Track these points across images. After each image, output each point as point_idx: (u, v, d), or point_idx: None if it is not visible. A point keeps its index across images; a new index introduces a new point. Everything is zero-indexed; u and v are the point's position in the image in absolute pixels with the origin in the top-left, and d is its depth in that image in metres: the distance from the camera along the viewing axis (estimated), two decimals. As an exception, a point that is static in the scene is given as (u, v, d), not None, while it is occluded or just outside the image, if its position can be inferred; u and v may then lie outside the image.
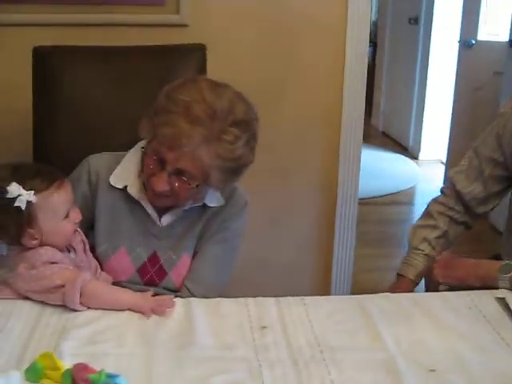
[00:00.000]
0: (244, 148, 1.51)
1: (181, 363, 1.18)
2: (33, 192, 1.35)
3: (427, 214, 1.92)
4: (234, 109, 1.49)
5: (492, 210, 1.89)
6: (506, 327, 1.36)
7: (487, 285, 1.55)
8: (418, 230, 1.91)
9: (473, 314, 1.42)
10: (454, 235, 1.90)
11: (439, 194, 1.94)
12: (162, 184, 1.51)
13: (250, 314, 1.37)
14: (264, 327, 1.32)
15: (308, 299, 1.44)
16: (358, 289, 2.92)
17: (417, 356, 1.25)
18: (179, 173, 1.49)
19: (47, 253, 1.40)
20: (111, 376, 0.86)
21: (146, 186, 1.60)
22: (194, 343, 1.26)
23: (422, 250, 1.87)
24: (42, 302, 1.37)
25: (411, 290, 1.83)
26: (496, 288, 1.53)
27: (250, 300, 1.43)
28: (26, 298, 1.39)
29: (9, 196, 1.33)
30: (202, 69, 1.97)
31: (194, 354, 1.22)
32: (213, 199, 1.66)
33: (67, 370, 0.89)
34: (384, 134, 6.53)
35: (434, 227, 1.88)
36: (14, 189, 1.33)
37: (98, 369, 0.92)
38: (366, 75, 2.72)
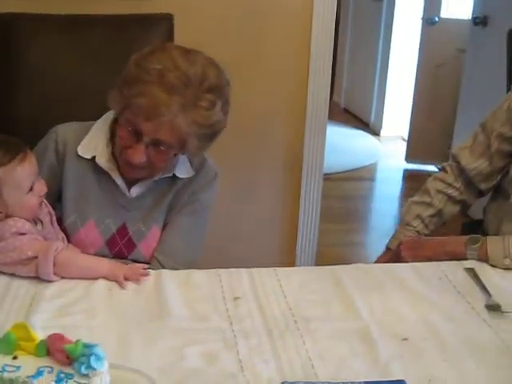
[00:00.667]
0: (219, 113, 1.50)
1: (155, 334, 1.17)
2: None
3: (424, 190, 1.90)
4: (208, 74, 1.47)
5: (493, 187, 1.87)
6: (476, 297, 1.38)
7: (456, 259, 1.57)
8: (413, 206, 1.89)
9: (443, 284, 1.44)
10: (448, 214, 1.88)
11: (439, 170, 1.93)
12: (139, 155, 1.48)
13: (223, 284, 1.37)
14: (237, 298, 1.31)
15: (280, 270, 1.44)
16: (321, 263, 2.93)
17: (390, 325, 1.26)
18: (156, 143, 1.47)
19: (16, 224, 1.37)
20: (88, 346, 0.84)
21: (117, 158, 1.57)
22: (167, 314, 1.24)
23: (414, 227, 1.85)
24: (9, 274, 1.34)
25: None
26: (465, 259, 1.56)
27: (222, 271, 1.42)
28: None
29: None
30: (169, 39, 1.94)
31: (167, 325, 1.21)
32: (183, 170, 1.63)
33: (42, 340, 0.87)
34: (346, 110, 6.55)
35: (429, 205, 1.86)
36: None
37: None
38: (332, 50, 2.71)
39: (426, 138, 4.75)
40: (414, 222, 1.87)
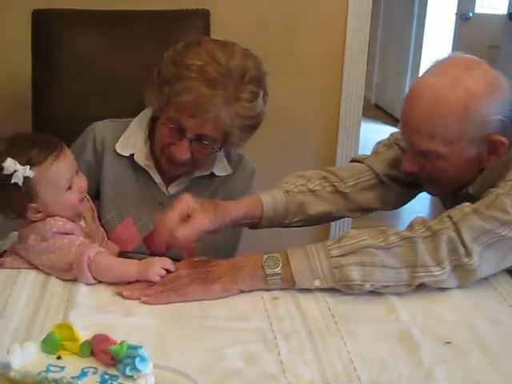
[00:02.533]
0: (261, 104, 1.50)
1: (194, 334, 1.16)
2: (28, 167, 1.29)
3: None
4: (247, 66, 1.47)
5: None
6: (518, 299, 1.35)
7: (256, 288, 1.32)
8: None
9: (484, 286, 1.40)
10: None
11: None
12: (183, 152, 1.48)
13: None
14: (276, 298, 1.29)
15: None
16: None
17: (432, 327, 1.23)
18: (200, 138, 1.47)
19: (57, 223, 1.36)
20: (133, 347, 0.83)
21: (157, 156, 1.57)
22: (206, 314, 1.23)
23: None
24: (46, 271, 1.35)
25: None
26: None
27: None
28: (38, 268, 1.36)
29: (5, 173, 1.28)
30: (205, 34, 1.93)
31: (206, 325, 1.20)
32: (220, 168, 1.63)
33: (86, 340, 0.86)
34: (377, 106, 6.50)
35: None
36: (10, 165, 1.28)
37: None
38: (366, 49, 2.70)
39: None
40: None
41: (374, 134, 5.66)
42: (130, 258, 1.49)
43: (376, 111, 6.37)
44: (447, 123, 1.36)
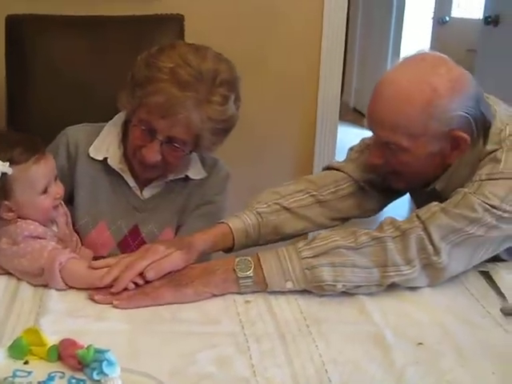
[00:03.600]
0: (233, 108, 1.50)
1: (166, 339, 1.15)
2: (8, 164, 1.30)
3: None
4: (219, 69, 1.47)
5: None
6: (490, 300, 1.36)
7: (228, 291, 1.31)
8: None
9: (456, 286, 1.41)
10: None
11: None
12: (153, 154, 1.48)
13: (233, 288, 1.35)
14: (248, 301, 1.29)
15: (291, 273, 1.42)
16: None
17: (404, 329, 1.24)
18: (171, 140, 1.47)
19: (28, 227, 1.36)
20: (100, 351, 0.83)
21: (130, 159, 1.57)
22: (177, 318, 1.23)
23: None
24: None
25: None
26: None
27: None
28: (9, 272, 1.35)
29: None
30: (180, 39, 1.93)
31: (178, 329, 1.19)
32: (195, 171, 1.63)
33: (53, 345, 0.86)
34: (355, 110, 6.53)
35: None
36: None
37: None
38: (342, 51, 2.72)
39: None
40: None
41: (352, 136, 5.72)
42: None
43: (355, 115, 6.40)
44: (410, 117, 1.37)
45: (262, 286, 1.31)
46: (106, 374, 0.82)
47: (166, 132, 1.45)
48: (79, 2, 2.10)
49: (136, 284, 1.28)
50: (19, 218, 1.37)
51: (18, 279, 1.33)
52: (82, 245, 1.57)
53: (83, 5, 2.06)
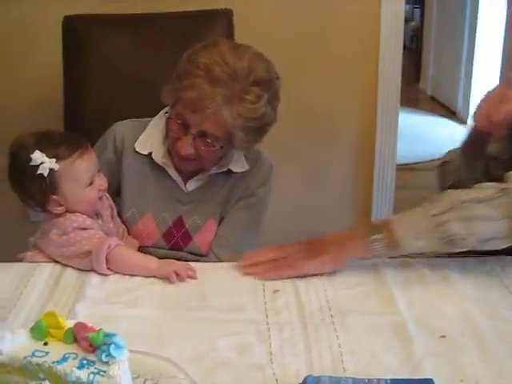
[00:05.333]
0: (266, 107, 1.53)
1: (191, 325, 1.21)
2: (55, 160, 1.39)
3: None
4: (255, 68, 1.50)
5: None
6: (524, 293, 1.34)
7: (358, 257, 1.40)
8: None
9: (490, 279, 1.40)
10: None
11: None
12: (186, 147, 1.53)
13: (264, 277, 1.39)
14: (277, 290, 1.33)
15: (324, 264, 1.44)
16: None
17: (428, 321, 1.24)
18: (203, 135, 1.52)
19: (77, 219, 1.45)
20: (109, 335, 0.89)
21: (171, 152, 1.62)
22: (206, 305, 1.28)
23: None
24: (62, 264, 1.42)
25: None
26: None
27: (266, 264, 1.44)
28: (56, 262, 1.44)
29: (32, 163, 1.38)
30: (229, 34, 1.98)
31: (204, 316, 1.25)
32: (237, 164, 1.67)
33: (69, 328, 0.92)
34: (432, 98, 6.38)
35: None
36: (37, 156, 1.38)
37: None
38: (401, 33, 2.68)
39: (513, 125, 4.57)
40: None
41: (429, 125, 5.63)
42: (149, 252, 1.56)
43: (432, 103, 6.26)
44: None
45: (394, 248, 1.35)
46: (113, 357, 0.88)
47: (197, 126, 1.50)
48: (133, 1, 2.17)
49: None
50: (67, 211, 1.46)
51: (63, 267, 1.42)
52: (129, 235, 1.65)
53: (134, 3, 2.13)
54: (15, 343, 0.93)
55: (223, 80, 1.46)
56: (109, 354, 0.88)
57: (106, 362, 0.88)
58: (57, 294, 1.31)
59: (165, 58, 1.92)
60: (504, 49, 4.59)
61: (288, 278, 1.37)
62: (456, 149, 1.73)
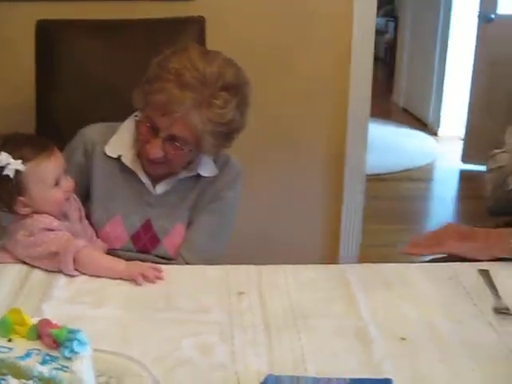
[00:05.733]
0: (234, 112, 1.56)
1: (156, 325, 1.23)
2: (20, 161, 1.40)
3: None
4: (224, 74, 1.53)
5: None
6: (486, 300, 1.37)
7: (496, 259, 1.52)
8: None
9: (453, 284, 1.43)
10: None
11: None
12: (155, 150, 1.55)
13: (230, 279, 1.41)
14: (241, 293, 1.35)
15: (289, 267, 1.47)
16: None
17: (390, 325, 1.27)
18: (172, 138, 1.54)
19: (44, 220, 1.46)
20: (72, 331, 0.90)
21: (140, 155, 1.64)
22: (172, 306, 1.30)
23: None
24: (29, 265, 1.43)
25: None
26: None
27: (232, 267, 1.46)
28: (23, 263, 1.45)
29: None
30: (200, 41, 2.00)
31: (170, 317, 1.26)
32: (206, 169, 1.69)
33: (33, 325, 0.94)
34: (404, 110, 6.49)
35: None
36: (3, 158, 1.39)
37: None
38: (372, 45, 2.71)
39: (483, 138, 4.64)
40: None
41: (401, 137, 5.71)
42: (118, 255, 1.56)
43: (405, 115, 6.36)
44: None
45: None
46: (76, 352, 0.89)
47: (167, 130, 1.52)
48: (101, 6, 2.19)
49: None
50: (34, 212, 1.46)
51: (30, 268, 1.42)
52: (97, 238, 1.66)
53: (106, 9, 2.15)
54: (-21, 340, 0.94)
55: (192, 85, 1.49)
56: (72, 350, 0.89)
57: (69, 358, 0.89)
58: (23, 294, 1.32)
59: (137, 64, 1.90)
60: (475, 62, 4.67)
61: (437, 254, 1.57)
62: (500, 151, 1.82)
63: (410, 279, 1.45)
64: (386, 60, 7.62)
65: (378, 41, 2.64)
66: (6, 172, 1.39)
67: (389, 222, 3.97)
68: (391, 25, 7.55)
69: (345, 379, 1.07)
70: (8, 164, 1.39)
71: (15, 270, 1.41)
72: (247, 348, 1.17)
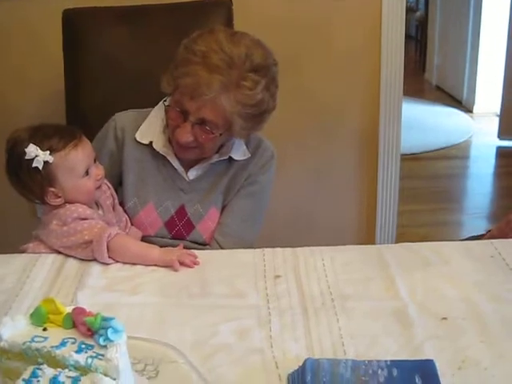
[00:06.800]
0: (264, 93, 1.53)
1: (192, 312, 1.22)
2: (48, 152, 1.39)
3: None
4: (252, 55, 1.50)
5: None
6: (529, 276, 1.33)
7: None
8: None
9: (495, 262, 1.40)
10: None
11: None
12: (185, 135, 1.54)
13: (266, 263, 1.39)
14: (278, 276, 1.33)
15: (325, 249, 1.45)
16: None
17: (430, 305, 1.24)
18: (202, 122, 1.52)
19: (77, 209, 1.45)
20: (106, 319, 0.89)
21: (171, 140, 1.63)
22: (207, 292, 1.29)
23: None
24: (64, 255, 1.43)
25: None
26: None
27: (268, 250, 1.45)
28: (58, 252, 1.45)
29: (27, 157, 1.39)
30: (228, 24, 1.97)
31: (206, 303, 1.25)
32: (239, 152, 1.67)
33: (68, 313, 0.93)
34: (438, 87, 6.37)
35: None
36: (31, 150, 1.38)
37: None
38: (403, 23, 2.65)
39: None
40: None
41: (435, 115, 5.61)
42: (152, 242, 1.56)
43: (438, 93, 6.25)
44: None
45: None
46: (111, 340, 0.88)
47: (196, 113, 1.50)
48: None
49: None
50: (66, 202, 1.46)
51: (64, 257, 1.43)
52: (132, 225, 1.65)
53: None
54: (15, 329, 0.94)
55: (220, 67, 1.46)
56: (107, 338, 0.88)
57: (104, 346, 0.89)
58: (59, 283, 1.32)
59: (164, 49, 1.90)
60: (509, 37, 4.56)
61: None
62: None
63: (448, 258, 1.42)
64: (417, 38, 7.48)
65: (409, 19, 2.57)
66: (34, 164, 1.39)
67: (426, 201, 3.90)
68: (422, 2, 7.40)
69: (385, 361, 1.05)
70: (36, 156, 1.38)
71: (50, 260, 1.42)
72: (285, 332, 1.16)
